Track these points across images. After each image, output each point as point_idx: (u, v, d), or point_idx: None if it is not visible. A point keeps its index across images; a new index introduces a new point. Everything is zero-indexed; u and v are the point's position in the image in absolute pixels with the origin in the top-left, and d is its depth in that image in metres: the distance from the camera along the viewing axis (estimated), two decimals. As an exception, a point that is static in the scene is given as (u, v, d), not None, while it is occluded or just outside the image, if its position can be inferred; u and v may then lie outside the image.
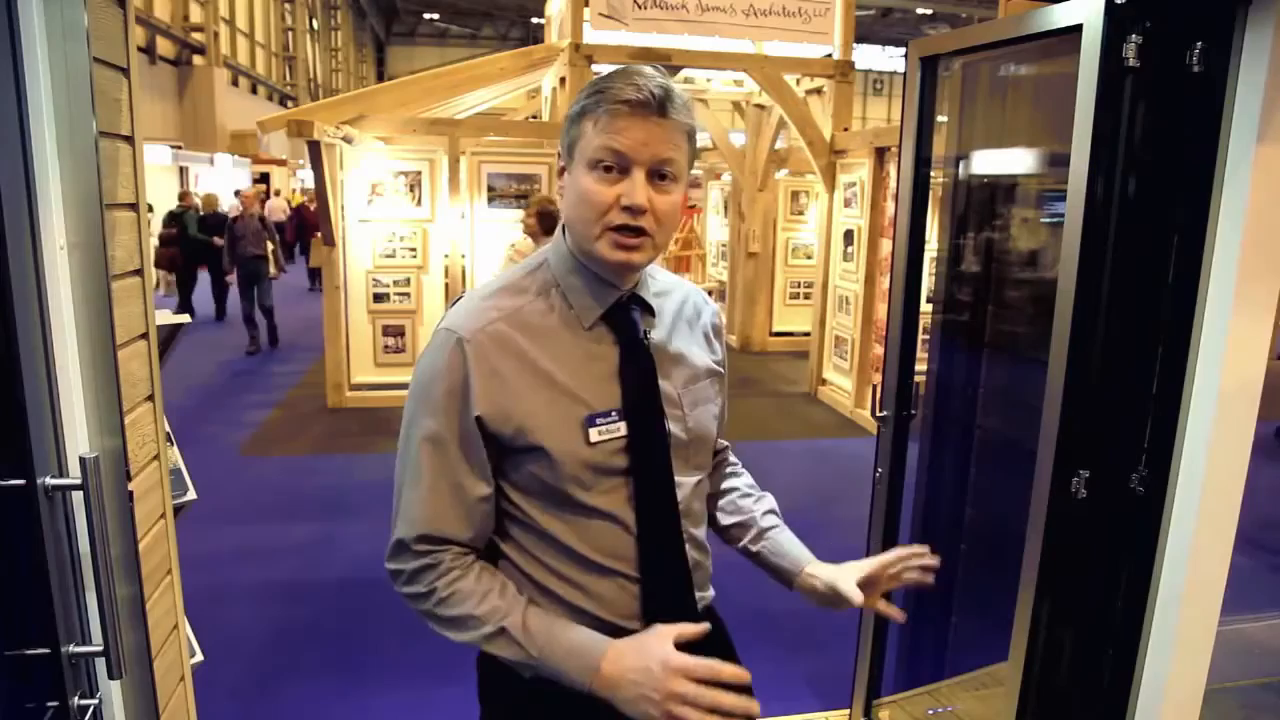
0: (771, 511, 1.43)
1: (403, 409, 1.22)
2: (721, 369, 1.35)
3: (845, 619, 2.71)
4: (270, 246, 9.13)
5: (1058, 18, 1.76)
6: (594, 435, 1.16)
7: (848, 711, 2.61)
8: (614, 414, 1.17)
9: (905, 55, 2.31)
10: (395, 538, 1.19)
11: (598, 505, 1.18)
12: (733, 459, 1.50)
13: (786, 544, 1.38)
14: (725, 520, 1.43)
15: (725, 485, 1.46)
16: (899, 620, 1.39)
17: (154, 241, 11.45)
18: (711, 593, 1.35)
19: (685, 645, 1.15)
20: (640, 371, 1.20)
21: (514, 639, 1.15)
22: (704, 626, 1.17)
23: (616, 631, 1.19)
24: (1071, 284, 1.74)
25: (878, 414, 2.41)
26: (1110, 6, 1.62)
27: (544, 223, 4.86)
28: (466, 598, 1.16)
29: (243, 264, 8.80)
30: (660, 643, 1.13)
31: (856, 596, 1.29)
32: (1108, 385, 1.81)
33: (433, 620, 1.20)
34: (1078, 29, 1.69)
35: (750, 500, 1.44)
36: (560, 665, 1.14)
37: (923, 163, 2.31)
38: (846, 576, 1.31)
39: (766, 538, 1.39)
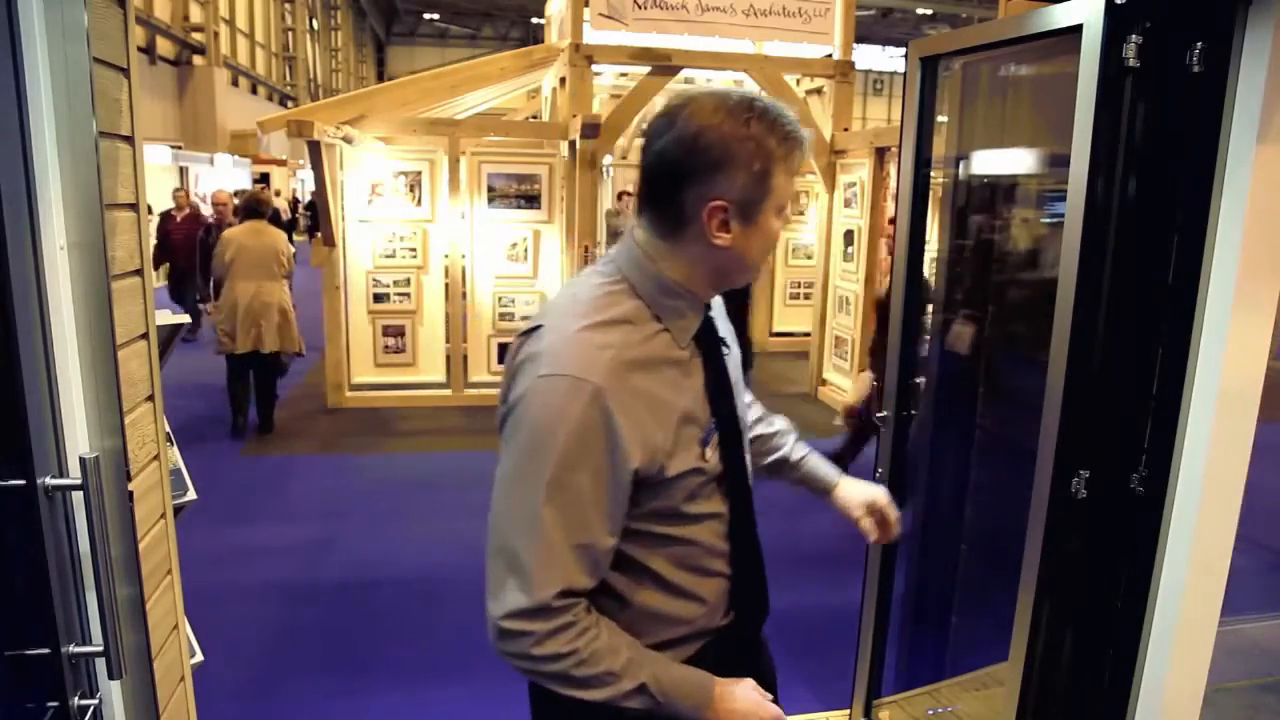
0: (797, 440, 1.63)
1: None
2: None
3: (845, 620, 2.70)
4: None
5: (1058, 18, 1.76)
6: (708, 452, 1.20)
7: (848, 711, 2.61)
8: (712, 424, 1.21)
9: (905, 55, 2.31)
10: (527, 603, 1.12)
11: (704, 510, 1.23)
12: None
13: (818, 469, 1.61)
14: (766, 460, 1.59)
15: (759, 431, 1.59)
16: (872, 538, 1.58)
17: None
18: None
19: (739, 643, 1.35)
20: (723, 381, 1.25)
21: (649, 693, 1.18)
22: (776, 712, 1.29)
23: (704, 635, 1.29)
24: (1071, 284, 1.74)
25: (877, 414, 2.41)
26: (1110, 6, 1.62)
27: (244, 216, 6.10)
28: (605, 655, 1.16)
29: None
30: (758, 693, 1.26)
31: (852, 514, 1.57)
32: (1108, 385, 1.81)
33: (562, 681, 1.16)
34: (1078, 29, 1.69)
35: (781, 439, 1.61)
36: (677, 707, 1.20)
37: (923, 163, 2.31)
38: (855, 501, 1.57)
39: (804, 466, 1.61)
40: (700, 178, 1.10)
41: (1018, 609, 1.95)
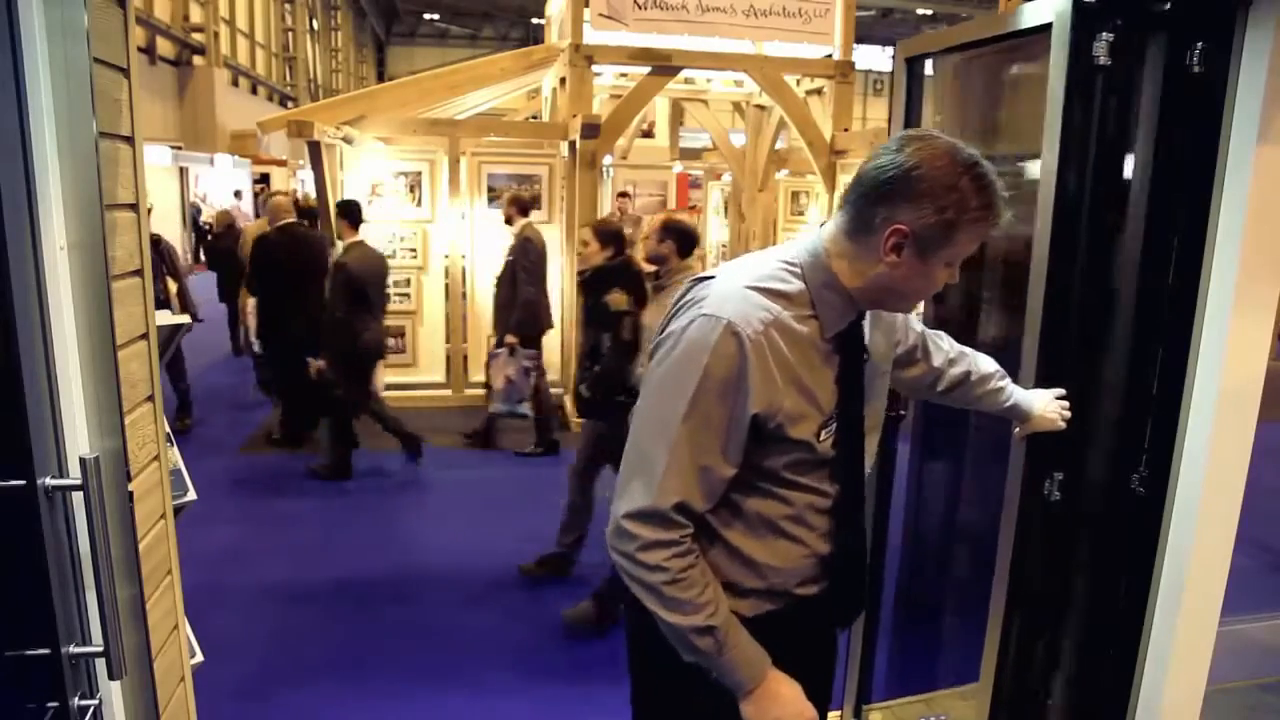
0: (1001, 379, 1.75)
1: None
2: (902, 342, 1.61)
3: None
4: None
5: (1028, 17, 1.77)
6: (823, 435, 1.33)
7: (839, 712, 2.61)
8: (834, 415, 1.34)
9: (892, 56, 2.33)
10: (648, 503, 1.26)
11: (806, 482, 1.36)
12: (949, 347, 1.74)
13: (1022, 402, 1.75)
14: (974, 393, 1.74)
15: (970, 373, 1.74)
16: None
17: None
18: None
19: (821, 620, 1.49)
20: (856, 385, 1.38)
21: (716, 637, 1.29)
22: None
23: (781, 597, 1.40)
24: (1041, 281, 1.75)
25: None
26: (1078, 5, 1.63)
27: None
28: (694, 584, 1.28)
29: None
30: (802, 692, 1.37)
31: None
32: (1083, 382, 1.81)
33: (651, 593, 1.29)
34: (1048, 28, 1.70)
35: (988, 382, 1.74)
36: (732, 667, 1.31)
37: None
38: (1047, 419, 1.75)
39: (1011, 399, 1.75)
40: (896, 201, 1.23)
41: (990, 618, 1.94)
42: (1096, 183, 1.73)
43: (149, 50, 16.83)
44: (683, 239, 3.42)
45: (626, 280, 3.68)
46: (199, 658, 2.03)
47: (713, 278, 1.33)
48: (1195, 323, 1.74)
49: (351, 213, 5.29)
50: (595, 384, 3.67)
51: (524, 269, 5.50)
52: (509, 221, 5.75)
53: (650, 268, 3.53)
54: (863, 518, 1.47)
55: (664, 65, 6.56)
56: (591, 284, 3.81)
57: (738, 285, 1.29)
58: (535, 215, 6.83)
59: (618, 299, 3.63)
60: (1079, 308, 1.78)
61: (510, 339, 5.52)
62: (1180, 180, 1.72)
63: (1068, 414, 1.76)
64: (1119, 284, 1.81)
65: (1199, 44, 1.65)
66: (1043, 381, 1.80)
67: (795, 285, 1.31)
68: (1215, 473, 1.76)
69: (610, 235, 3.81)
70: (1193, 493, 1.78)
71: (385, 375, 6.89)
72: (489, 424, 5.91)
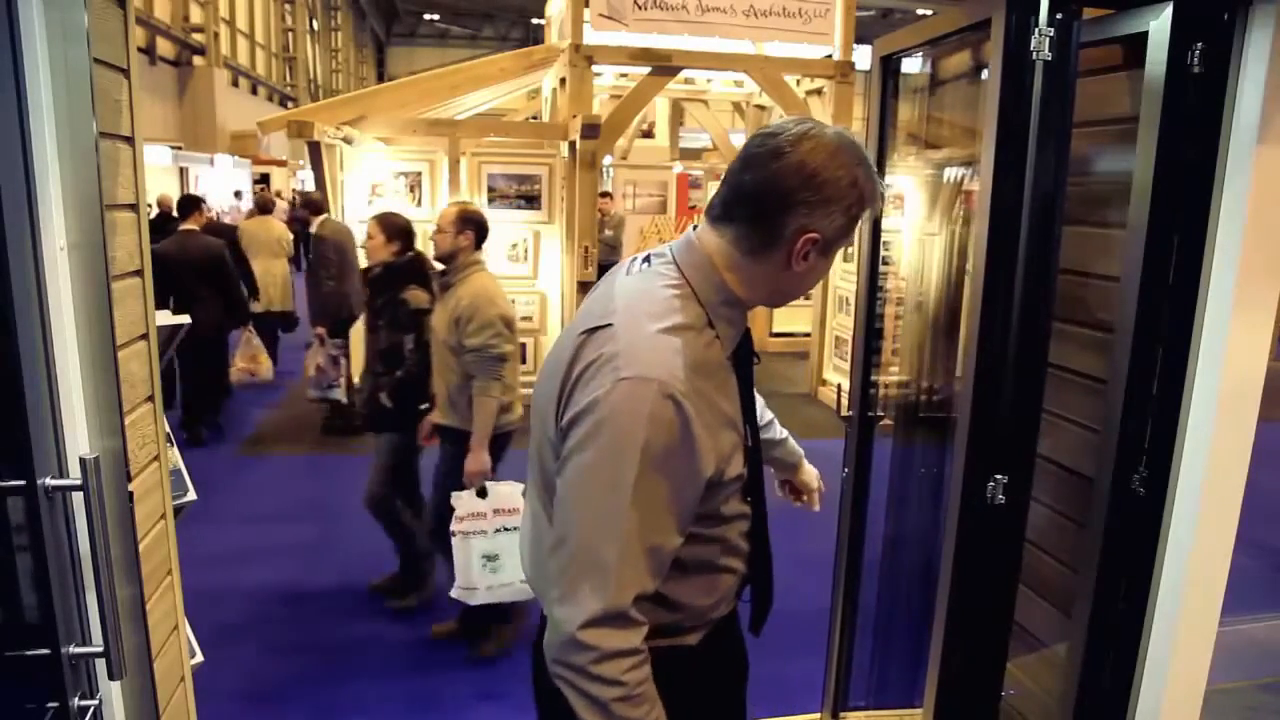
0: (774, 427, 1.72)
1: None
2: None
3: (818, 625, 2.67)
4: None
5: (975, 12, 1.79)
6: (744, 462, 1.25)
7: (818, 715, 2.61)
8: (746, 432, 1.26)
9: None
10: (606, 606, 1.10)
11: (733, 512, 1.28)
12: None
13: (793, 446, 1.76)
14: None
15: None
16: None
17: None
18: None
19: (725, 636, 1.39)
20: (752, 393, 1.32)
21: None
22: None
23: (706, 625, 1.33)
24: (980, 282, 1.75)
25: (841, 415, 2.41)
26: (1013, 2, 1.64)
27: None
28: (644, 700, 1.15)
29: None
30: None
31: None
32: (1021, 379, 1.79)
33: (597, 708, 1.12)
34: (990, 23, 1.72)
35: (773, 426, 1.72)
36: None
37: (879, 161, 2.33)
38: (812, 476, 1.78)
39: (784, 435, 1.75)
40: (807, 210, 1.14)
41: (932, 637, 1.92)
42: (1037, 175, 1.72)
43: (149, 50, 16.84)
44: (481, 229, 3.18)
45: (422, 278, 3.46)
46: (199, 658, 2.03)
47: (609, 326, 1.16)
48: (1195, 322, 1.75)
49: (185, 204, 6.06)
50: (397, 391, 3.43)
51: (322, 266, 5.85)
52: (306, 225, 6.10)
53: (440, 266, 3.24)
54: (767, 529, 1.42)
55: (664, 65, 6.56)
56: (382, 281, 3.53)
57: (648, 331, 1.14)
58: (534, 215, 6.85)
59: (418, 296, 3.42)
60: (1022, 297, 1.77)
61: (318, 330, 5.85)
62: (1180, 180, 1.72)
63: (819, 492, 1.79)
64: (1120, 283, 1.81)
65: (1199, 44, 1.65)
66: (981, 382, 1.79)
67: (693, 310, 1.19)
68: (1215, 473, 1.76)
69: (397, 230, 3.53)
70: (1193, 493, 1.78)
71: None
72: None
